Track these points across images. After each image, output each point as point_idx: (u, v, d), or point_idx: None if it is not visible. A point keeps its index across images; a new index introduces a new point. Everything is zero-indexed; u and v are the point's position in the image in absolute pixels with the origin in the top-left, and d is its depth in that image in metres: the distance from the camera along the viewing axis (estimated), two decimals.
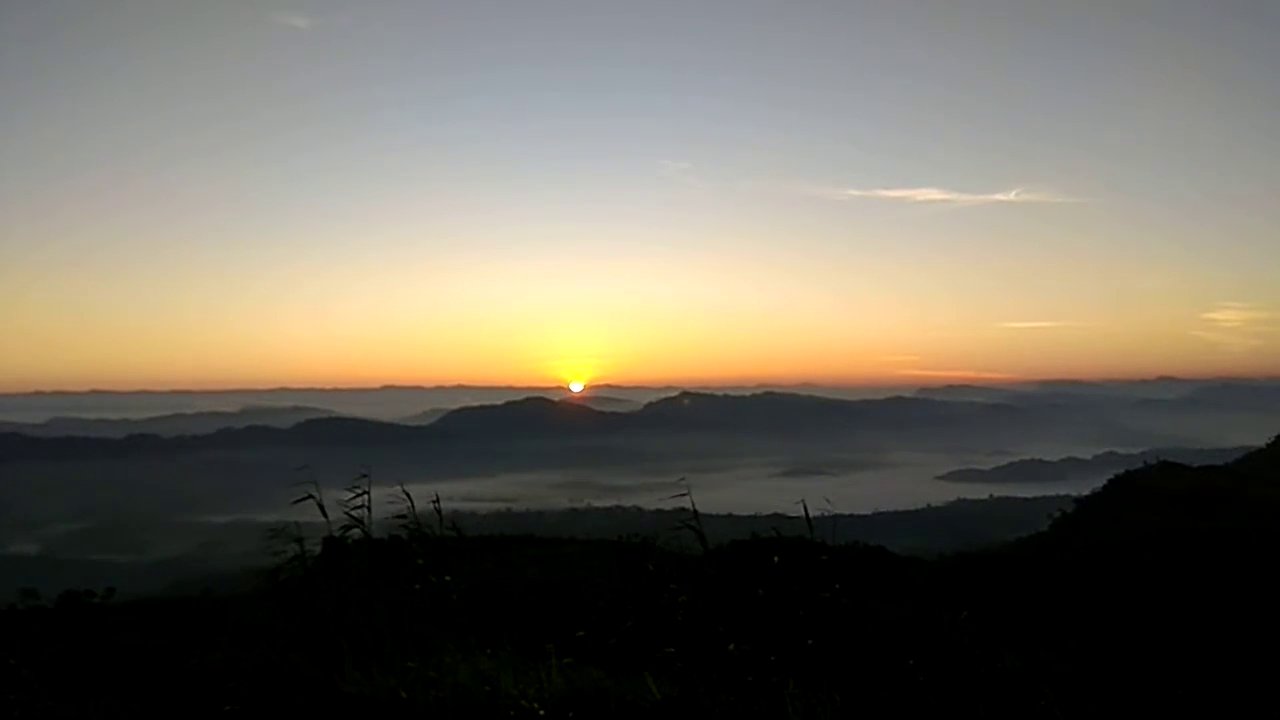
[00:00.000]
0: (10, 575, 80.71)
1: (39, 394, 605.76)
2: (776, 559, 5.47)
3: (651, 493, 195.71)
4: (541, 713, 4.71)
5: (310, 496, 6.33)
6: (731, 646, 4.82)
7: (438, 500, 6.68)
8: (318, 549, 6.51)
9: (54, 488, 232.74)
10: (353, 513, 6.45)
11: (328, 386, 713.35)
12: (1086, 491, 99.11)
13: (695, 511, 6.12)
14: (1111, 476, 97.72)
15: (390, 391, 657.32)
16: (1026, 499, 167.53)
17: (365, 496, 6.49)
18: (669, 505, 6.34)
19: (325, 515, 6.38)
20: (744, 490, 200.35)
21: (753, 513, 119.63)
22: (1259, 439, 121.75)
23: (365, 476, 6.52)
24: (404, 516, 6.51)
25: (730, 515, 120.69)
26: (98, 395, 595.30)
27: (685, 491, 6.07)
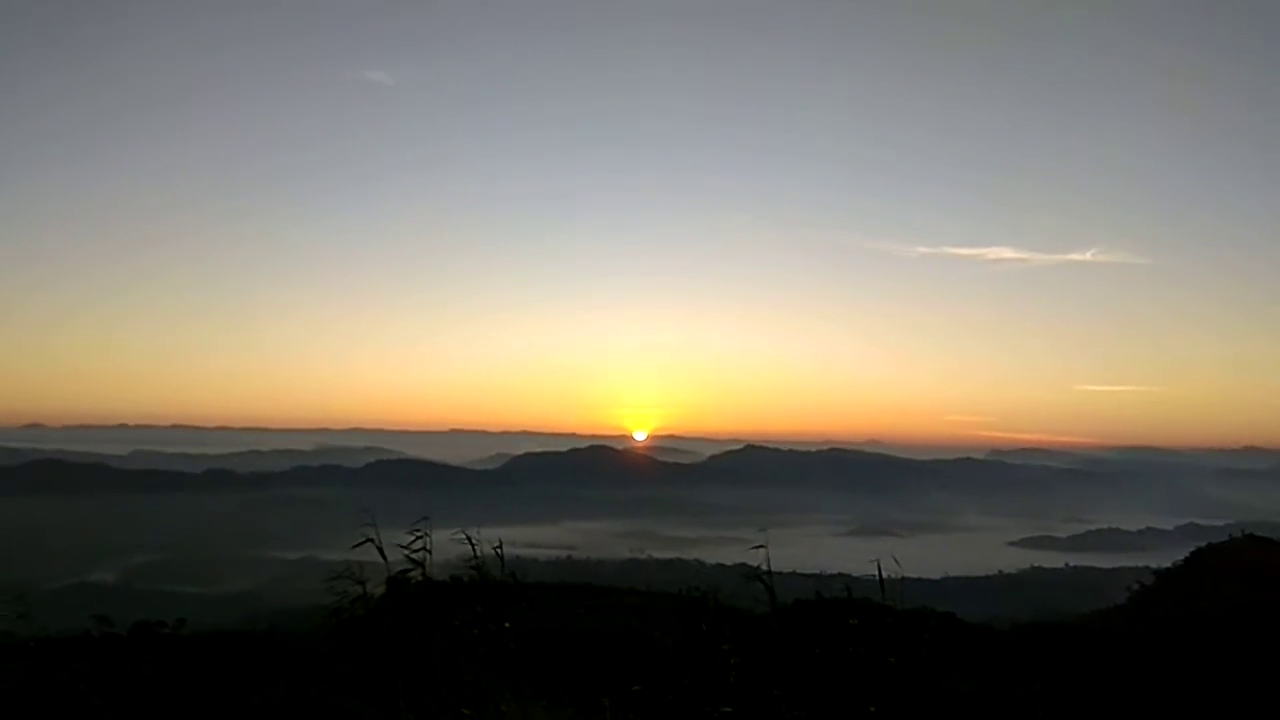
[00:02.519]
0: (88, 602, 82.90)
1: (123, 427, 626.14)
2: (853, 621, 5.32)
3: (712, 546, 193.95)
4: None
5: (370, 540, 6.40)
6: (784, 709, 4.70)
7: (500, 546, 6.71)
8: (380, 589, 6.56)
9: (133, 519, 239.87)
10: (413, 555, 6.51)
11: (398, 428, 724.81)
12: (1167, 563, 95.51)
13: (769, 569, 5.98)
14: (1193, 549, 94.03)
15: (458, 435, 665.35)
16: (1104, 570, 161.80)
17: (426, 539, 6.55)
18: (730, 559, 6.23)
19: (384, 558, 6.45)
20: (808, 548, 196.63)
21: (817, 571, 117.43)
22: None
23: (426, 519, 6.59)
24: (471, 560, 6.55)
25: (794, 573, 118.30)
26: (179, 430, 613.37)
27: (762, 545, 5.94)
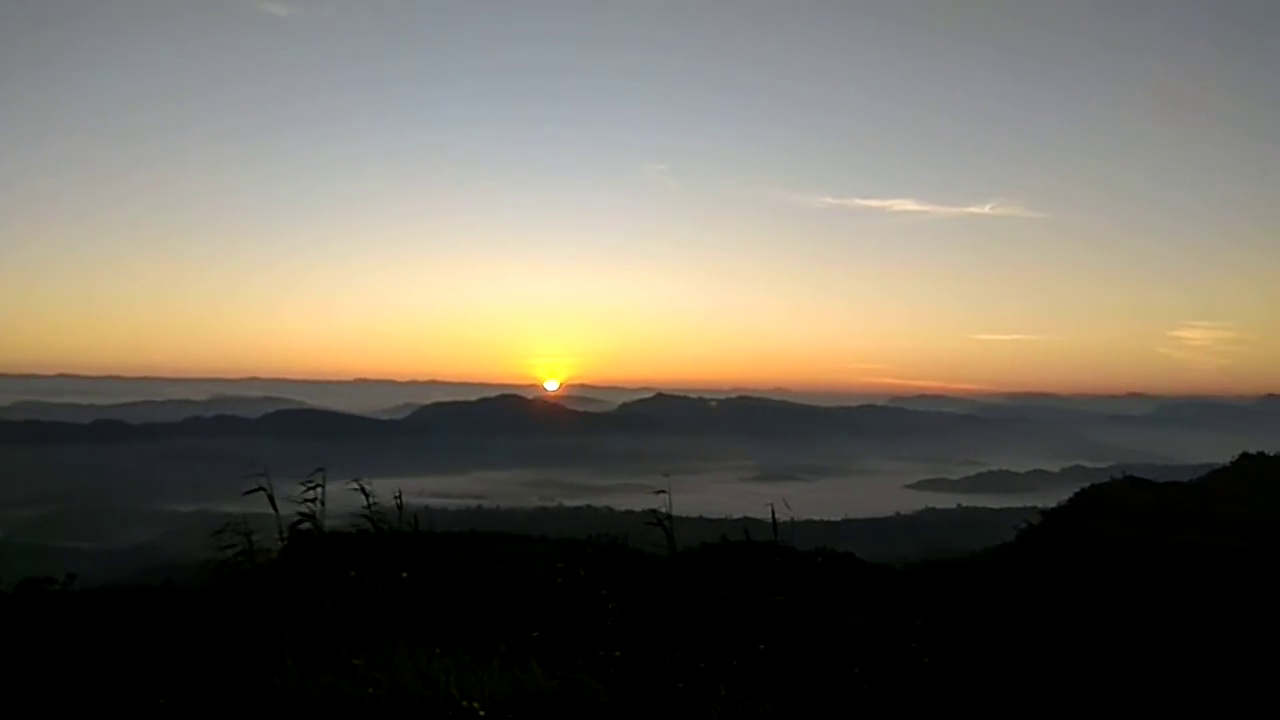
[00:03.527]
0: None
1: (4, 376, 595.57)
2: (746, 563, 5.46)
3: (623, 493, 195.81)
4: (482, 713, 4.66)
5: (260, 489, 6.25)
6: (663, 649, 4.81)
7: (400, 496, 6.64)
8: (266, 541, 6.43)
9: (17, 472, 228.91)
10: (306, 506, 6.39)
11: (299, 377, 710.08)
12: (1053, 504, 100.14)
13: (669, 514, 6.08)
14: (1078, 490, 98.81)
15: (363, 385, 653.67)
16: (994, 510, 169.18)
17: (320, 490, 6.44)
18: (640, 506, 6.31)
19: (275, 509, 6.32)
20: (716, 493, 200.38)
21: (724, 515, 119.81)
22: (1223, 457, 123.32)
23: (321, 470, 6.48)
24: (365, 509, 6.46)
25: (701, 518, 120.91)
26: (65, 379, 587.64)
27: (664, 490, 6.03)
